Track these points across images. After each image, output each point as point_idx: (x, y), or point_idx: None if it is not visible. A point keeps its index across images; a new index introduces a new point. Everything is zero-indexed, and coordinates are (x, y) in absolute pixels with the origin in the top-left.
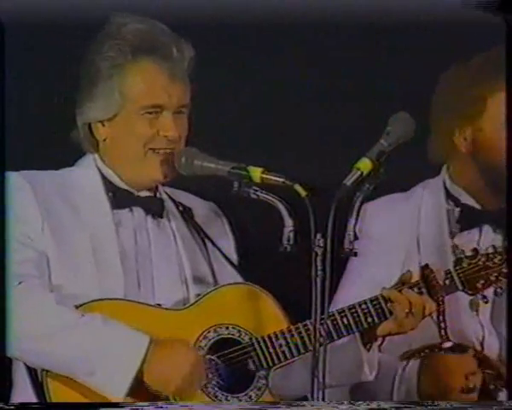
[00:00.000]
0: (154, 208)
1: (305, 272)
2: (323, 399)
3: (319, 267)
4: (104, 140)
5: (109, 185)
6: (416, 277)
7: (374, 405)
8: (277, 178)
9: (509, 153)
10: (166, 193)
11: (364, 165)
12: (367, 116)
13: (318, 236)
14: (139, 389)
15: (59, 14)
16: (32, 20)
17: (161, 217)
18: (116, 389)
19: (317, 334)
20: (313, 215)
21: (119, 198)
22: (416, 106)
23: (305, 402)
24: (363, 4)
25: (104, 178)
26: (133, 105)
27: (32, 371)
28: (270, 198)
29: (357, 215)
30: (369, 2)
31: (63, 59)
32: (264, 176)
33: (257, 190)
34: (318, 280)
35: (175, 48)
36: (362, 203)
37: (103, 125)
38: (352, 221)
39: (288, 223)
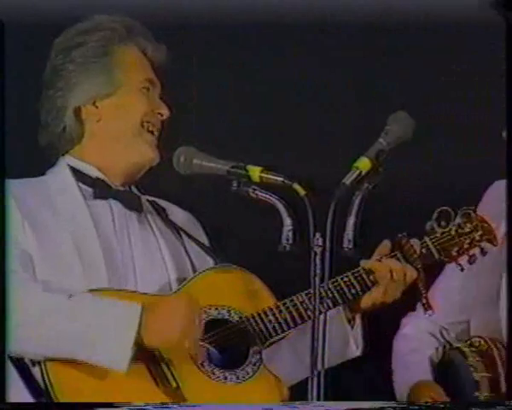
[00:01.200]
0: (132, 202)
1: (304, 271)
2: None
3: (318, 266)
4: (98, 121)
5: (86, 179)
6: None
7: (373, 405)
8: (276, 178)
9: (509, 153)
10: (139, 190)
11: (364, 164)
12: (367, 116)
13: (317, 235)
14: (141, 354)
15: (59, 14)
16: (31, 20)
17: (139, 211)
18: (118, 360)
19: (316, 334)
20: (312, 214)
21: (97, 192)
22: (415, 106)
23: (304, 403)
24: (363, 4)
25: (81, 173)
26: (132, 79)
27: (25, 370)
28: (269, 197)
29: (357, 214)
30: (369, 2)
31: None
32: (263, 175)
33: (256, 190)
34: (317, 279)
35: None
36: (361, 202)
37: (96, 107)
38: (351, 220)
39: (287, 222)
